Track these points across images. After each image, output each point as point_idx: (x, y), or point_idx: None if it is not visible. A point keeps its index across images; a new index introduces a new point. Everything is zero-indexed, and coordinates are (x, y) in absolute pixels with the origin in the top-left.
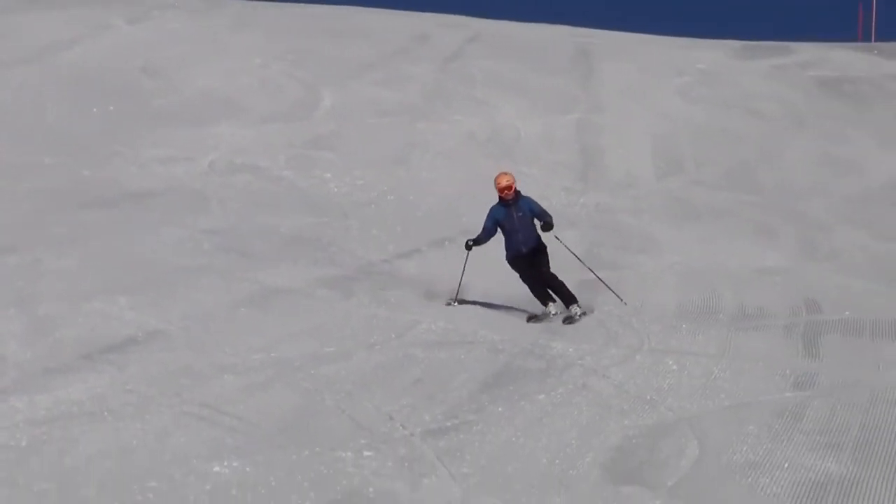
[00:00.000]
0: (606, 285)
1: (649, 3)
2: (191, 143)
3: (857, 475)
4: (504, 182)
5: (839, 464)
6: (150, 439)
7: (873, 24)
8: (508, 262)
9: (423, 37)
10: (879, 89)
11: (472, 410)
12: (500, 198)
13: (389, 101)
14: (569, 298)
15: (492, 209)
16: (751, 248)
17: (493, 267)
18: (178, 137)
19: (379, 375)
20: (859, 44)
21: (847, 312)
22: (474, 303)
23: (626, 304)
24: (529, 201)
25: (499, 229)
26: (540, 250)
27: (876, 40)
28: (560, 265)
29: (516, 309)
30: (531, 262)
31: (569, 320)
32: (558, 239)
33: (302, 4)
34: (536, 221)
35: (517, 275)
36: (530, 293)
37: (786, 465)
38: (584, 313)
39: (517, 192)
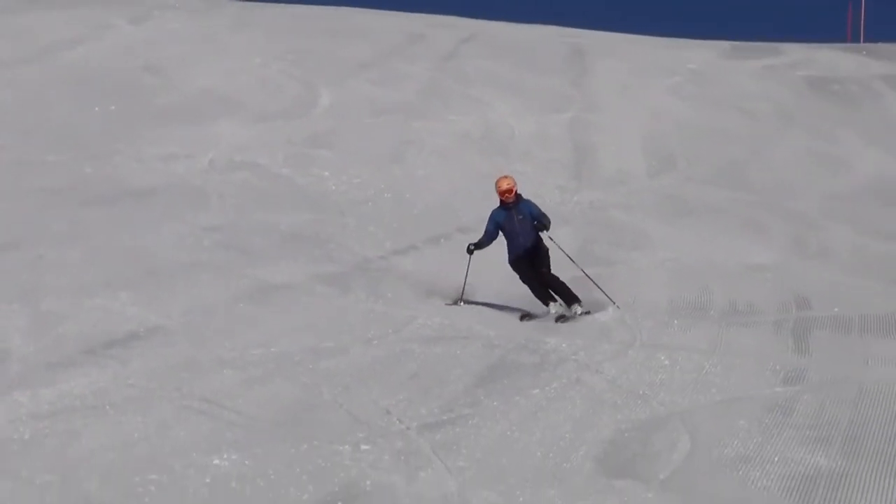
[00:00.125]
0: (597, 285)
1: (641, 4)
2: (191, 141)
3: (845, 468)
4: (505, 185)
5: (828, 457)
6: (150, 432)
7: (862, 25)
8: (510, 264)
9: (419, 37)
10: (867, 89)
11: (468, 404)
12: (501, 201)
13: (386, 99)
14: (570, 298)
15: (493, 212)
16: (741, 245)
17: (496, 267)
18: (179, 135)
19: (376, 370)
20: (848, 44)
21: (836, 309)
22: (480, 303)
23: (616, 305)
24: (530, 204)
25: (500, 232)
26: (541, 253)
27: (864, 41)
28: (554, 263)
29: (514, 307)
30: (532, 265)
31: (562, 318)
32: (551, 239)
33: (300, 5)
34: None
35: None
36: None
37: (776, 459)
38: (588, 312)
39: (518, 196)
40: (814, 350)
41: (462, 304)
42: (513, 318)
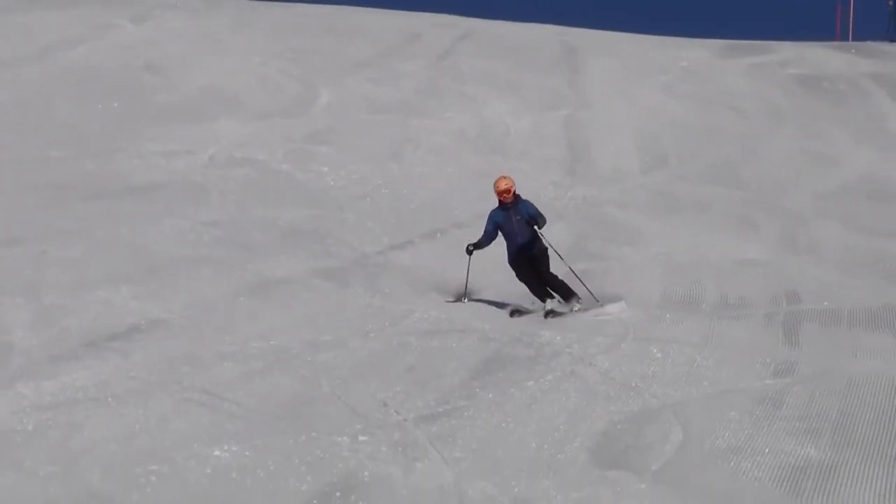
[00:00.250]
0: (580, 280)
1: (635, 4)
2: (192, 138)
3: (835, 459)
4: (503, 186)
5: (818, 448)
6: (152, 424)
7: (850, 24)
8: (510, 263)
9: (416, 36)
10: (856, 87)
11: (464, 397)
12: (500, 201)
13: (384, 97)
14: (568, 295)
15: (492, 213)
16: (732, 241)
17: (496, 266)
18: (180, 132)
19: (374, 363)
20: (837, 43)
21: (825, 302)
22: (483, 301)
23: (599, 303)
24: (528, 205)
25: (500, 233)
26: (539, 252)
27: (853, 40)
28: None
29: (514, 304)
30: (531, 264)
31: (551, 314)
32: (542, 236)
33: (299, 4)
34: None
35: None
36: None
37: (766, 450)
38: (586, 308)
39: (517, 196)
40: (803, 343)
41: (466, 301)
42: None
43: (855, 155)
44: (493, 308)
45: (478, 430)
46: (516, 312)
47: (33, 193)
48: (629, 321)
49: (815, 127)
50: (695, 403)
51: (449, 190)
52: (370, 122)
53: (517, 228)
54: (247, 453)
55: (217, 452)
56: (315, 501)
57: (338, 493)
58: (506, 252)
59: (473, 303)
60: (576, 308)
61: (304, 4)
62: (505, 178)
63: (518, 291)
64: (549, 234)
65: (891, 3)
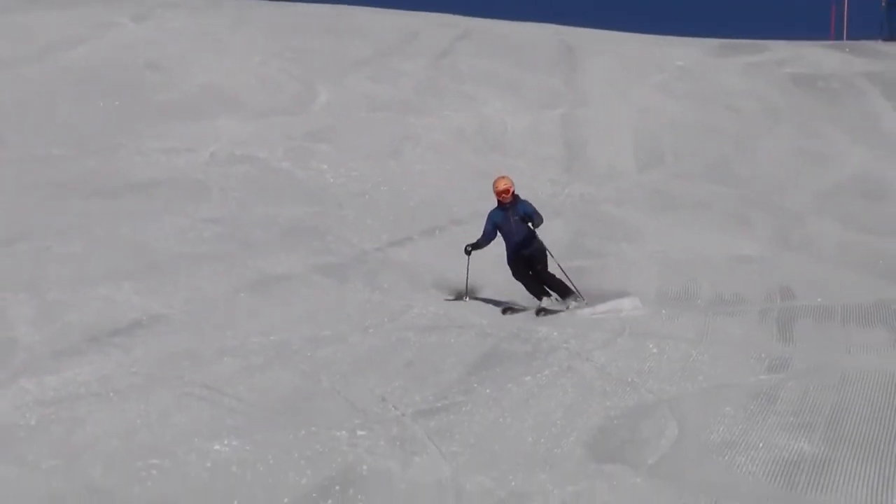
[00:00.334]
0: (569, 281)
1: (632, 3)
2: (192, 136)
3: (828, 454)
4: (501, 186)
5: (811, 443)
6: (153, 419)
7: (845, 23)
8: (508, 263)
9: (415, 35)
10: (850, 86)
11: (462, 392)
12: (499, 201)
13: (383, 96)
14: (565, 293)
15: (490, 213)
16: (728, 238)
17: (496, 265)
18: (181, 130)
19: (373, 358)
20: (831, 42)
21: (819, 299)
22: (483, 299)
23: (584, 301)
24: (526, 205)
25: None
26: (537, 251)
27: (847, 39)
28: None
29: (508, 300)
30: (528, 263)
31: (543, 311)
32: (530, 225)
33: (299, 4)
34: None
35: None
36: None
37: (761, 445)
38: (581, 306)
39: (515, 196)
40: (798, 339)
41: (467, 300)
42: None
43: (849, 153)
44: (492, 305)
45: (475, 425)
46: (509, 310)
47: (35, 191)
48: (626, 317)
49: (810, 125)
50: (690, 398)
51: (447, 187)
52: (369, 121)
53: (515, 228)
54: (247, 448)
55: (217, 447)
56: (314, 495)
57: (337, 487)
58: (504, 252)
59: (473, 300)
60: (572, 305)
61: (304, 4)
62: (504, 178)
63: (517, 289)
64: (547, 232)
65: (883, 3)
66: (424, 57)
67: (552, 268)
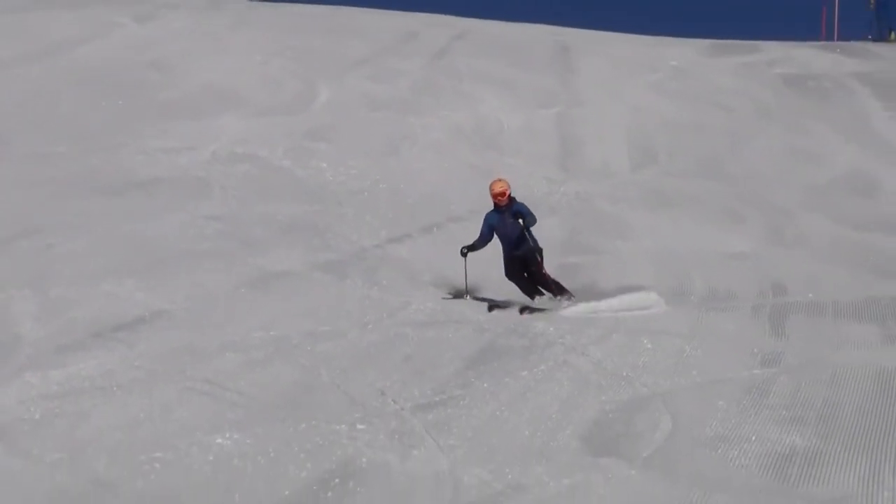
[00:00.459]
0: (550, 282)
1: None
2: (194, 134)
3: (820, 448)
4: (497, 189)
5: (803, 437)
6: (156, 412)
7: (836, 24)
8: (504, 264)
9: (413, 35)
10: (840, 86)
11: (459, 386)
12: (494, 204)
13: (381, 95)
14: (559, 292)
15: (486, 215)
16: (720, 234)
17: (495, 264)
18: (183, 129)
19: (372, 353)
20: (822, 43)
21: (811, 294)
22: (484, 299)
23: (576, 299)
24: (520, 206)
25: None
26: (531, 252)
27: (838, 40)
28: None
29: (513, 299)
30: (524, 265)
31: (526, 310)
32: (526, 230)
33: (299, 4)
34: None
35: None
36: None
37: (753, 438)
38: (571, 304)
39: (511, 199)
40: (790, 334)
41: (468, 298)
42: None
43: (840, 151)
44: (490, 303)
45: (473, 419)
46: (494, 307)
47: (39, 188)
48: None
49: (801, 124)
50: (684, 393)
51: (445, 185)
52: (368, 119)
53: (510, 230)
54: (248, 441)
55: (219, 440)
56: (314, 487)
57: (336, 480)
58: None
59: (474, 299)
60: (565, 304)
61: (304, 4)
62: (500, 181)
63: (515, 288)
64: (543, 229)
65: (871, 4)
66: (422, 57)
67: (554, 267)
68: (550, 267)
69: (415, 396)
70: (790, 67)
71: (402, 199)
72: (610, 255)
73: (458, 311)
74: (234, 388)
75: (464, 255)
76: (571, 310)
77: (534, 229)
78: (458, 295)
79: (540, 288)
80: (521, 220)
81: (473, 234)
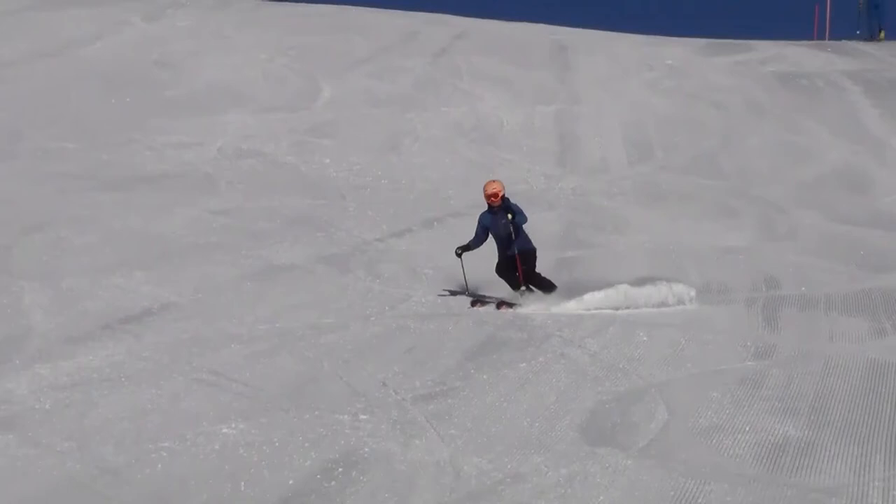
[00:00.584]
0: (542, 285)
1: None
2: (201, 131)
3: (811, 437)
4: (490, 190)
5: (796, 427)
6: (163, 403)
7: (827, 24)
8: (497, 261)
9: (414, 33)
10: (832, 84)
11: (459, 377)
12: (488, 204)
13: (383, 92)
14: (550, 289)
15: (480, 216)
16: (714, 229)
17: (493, 262)
18: (190, 125)
19: (374, 345)
20: (814, 42)
21: (803, 288)
22: (482, 296)
23: (521, 294)
24: (512, 205)
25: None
26: (529, 255)
27: (829, 39)
28: (541, 245)
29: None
30: (516, 264)
31: (504, 305)
32: (513, 223)
33: (302, 3)
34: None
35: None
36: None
37: (747, 429)
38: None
39: (504, 199)
40: (782, 327)
41: (469, 294)
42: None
43: (831, 148)
44: (489, 295)
45: (473, 409)
46: (477, 303)
47: (50, 183)
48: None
49: (793, 121)
50: (679, 384)
51: (445, 180)
52: (370, 116)
53: (502, 231)
54: (253, 430)
55: (225, 429)
56: (318, 476)
57: (340, 469)
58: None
59: (470, 290)
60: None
61: (308, 4)
62: (493, 182)
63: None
64: (542, 223)
65: (861, 4)
66: (423, 55)
67: (563, 256)
68: (549, 260)
69: (416, 387)
70: (783, 66)
71: (403, 194)
72: (606, 249)
73: (457, 304)
74: (239, 379)
75: (458, 255)
76: (572, 304)
77: (530, 228)
78: (461, 291)
79: (530, 286)
80: (509, 216)
81: (473, 229)
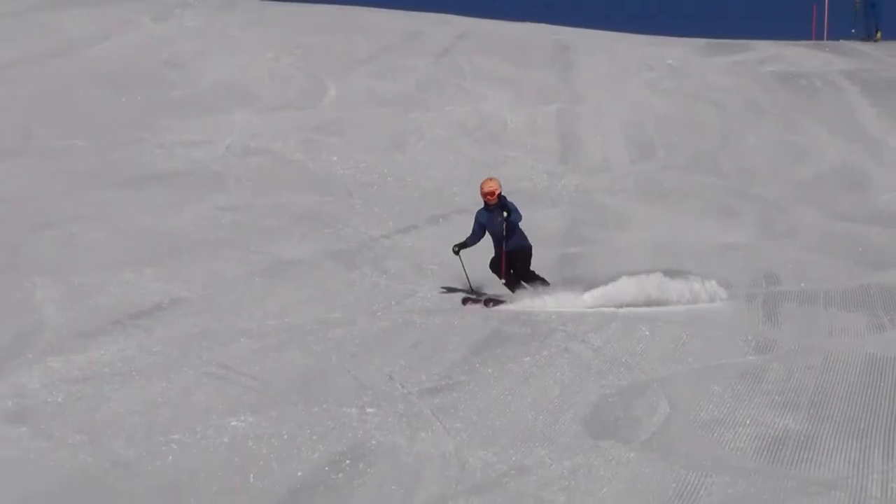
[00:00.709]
0: (535, 283)
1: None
2: (209, 129)
3: (811, 431)
4: (486, 188)
5: (796, 421)
6: (173, 396)
7: (825, 24)
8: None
9: (418, 33)
10: (830, 83)
11: (465, 371)
12: (485, 202)
13: (387, 91)
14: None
15: (477, 214)
16: (715, 226)
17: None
18: (198, 124)
19: (380, 339)
20: (812, 42)
21: (802, 284)
22: (481, 294)
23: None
24: (508, 203)
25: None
26: (523, 252)
27: (827, 39)
28: (541, 242)
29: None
30: (510, 262)
31: (491, 302)
32: (507, 217)
33: (309, 4)
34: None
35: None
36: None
37: (748, 422)
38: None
39: (501, 198)
40: (782, 322)
41: (473, 294)
42: (506, 293)
43: (829, 147)
44: (492, 290)
45: (478, 403)
46: (469, 300)
47: (62, 181)
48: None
49: (791, 120)
50: (680, 378)
51: (449, 178)
52: (376, 115)
53: (498, 229)
54: (262, 423)
55: (234, 423)
56: (326, 468)
57: (347, 461)
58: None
59: (473, 285)
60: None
61: (313, 4)
62: (491, 180)
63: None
64: (544, 220)
65: (857, 4)
66: (427, 55)
67: (566, 252)
68: (552, 257)
69: (422, 381)
70: (781, 66)
71: (408, 192)
72: (608, 246)
73: (463, 299)
74: (248, 373)
75: (455, 252)
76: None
77: (532, 225)
78: (471, 294)
79: (523, 283)
80: (504, 213)
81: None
